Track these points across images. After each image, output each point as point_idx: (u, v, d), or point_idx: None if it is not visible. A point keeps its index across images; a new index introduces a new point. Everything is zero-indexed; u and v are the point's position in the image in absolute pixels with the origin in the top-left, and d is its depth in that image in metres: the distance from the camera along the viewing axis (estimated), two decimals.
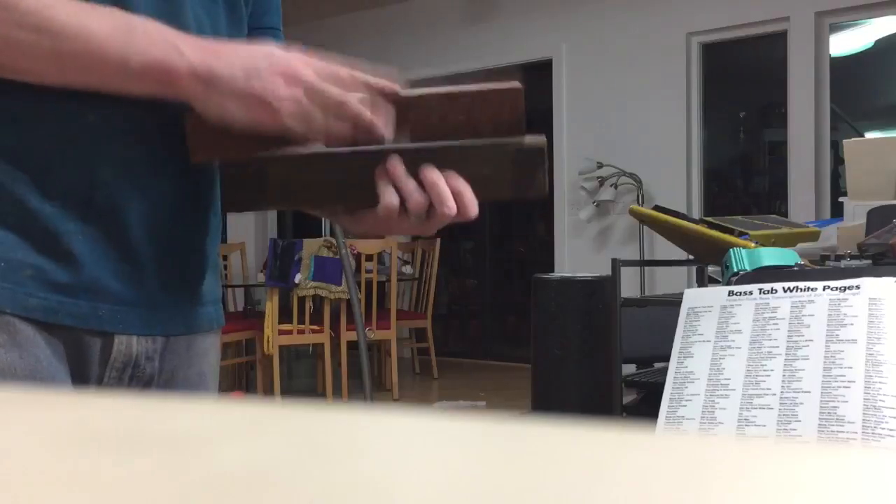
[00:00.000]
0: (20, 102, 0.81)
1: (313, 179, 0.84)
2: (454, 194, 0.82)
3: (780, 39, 5.51)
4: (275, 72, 0.78)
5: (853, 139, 2.72)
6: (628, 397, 3.21)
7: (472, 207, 0.83)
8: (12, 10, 0.75)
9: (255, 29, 1.01)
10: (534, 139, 0.82)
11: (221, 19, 0.94)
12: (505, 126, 0.82)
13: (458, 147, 0.82)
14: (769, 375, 0.88)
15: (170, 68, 0.77)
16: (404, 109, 0.81)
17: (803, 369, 0.86)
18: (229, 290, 6.46)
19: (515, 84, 0.82)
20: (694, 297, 0.98)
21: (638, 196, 5.83)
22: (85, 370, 0.85)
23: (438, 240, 6.09)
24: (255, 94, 0.78)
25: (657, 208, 2.28)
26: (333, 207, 0.92)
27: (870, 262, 1.28)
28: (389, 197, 0.82)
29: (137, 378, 0.89)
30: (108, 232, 0.84)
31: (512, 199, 0.85)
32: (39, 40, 0.76)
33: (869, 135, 5.68)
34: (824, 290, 0.89)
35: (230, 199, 0.89)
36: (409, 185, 0.82)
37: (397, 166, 0.82)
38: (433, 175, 0.82)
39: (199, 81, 0.78)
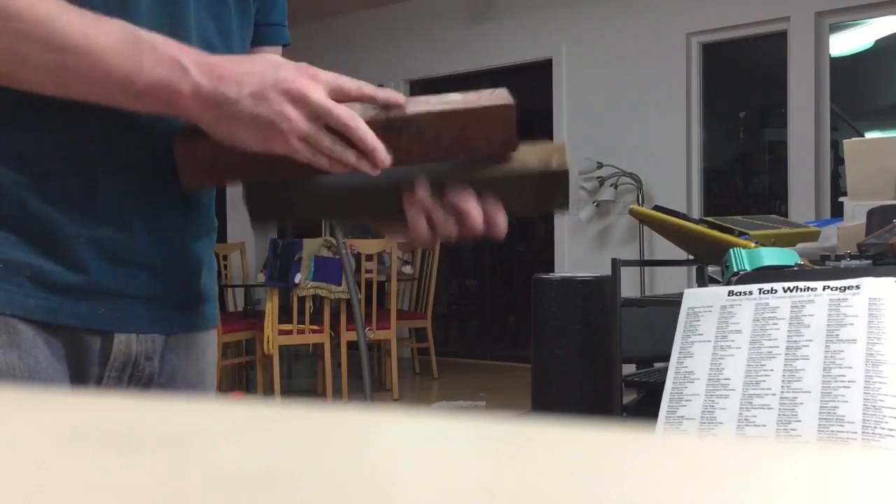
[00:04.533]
0: (24, 110, 0.80)
1: (341, 201, 0.85)
2: (485, 215, 0.83)
3: (780, 39, 5.51)
4: (281, 91, 0.76)
5: (853, 139, 2.72)
6: (628, 397, 3.20)
7: (502, 228, 0.84)
8: (18, 21, 0.73)
9: (261, 25, 1.00)
10: (559, 161, 0.82)
11: (231, 18, 0.94)
12: (498, 142, 0.82)
13: (483, 171, 0.82)
14: (769, 375, 0.88)
15: (175, 89, 0.75)
16: (398, 129, 0.80)
17: (803, 369, 0.86)
18: (229, 290, 6.46)
19: (507, 99, 0.81)
20: (694, 297, 0.98)
21: (638, 196, 5.83)
22: (84, 370, 0.86)
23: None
24: (262, 118, 0.76)
25: (657, 208, 2.28)
26: (362, 221, 0.94)
27: (870, 262, 1.28)
28: (420, 225, 0.83)
29: (136, 378, 0.89)
30: (109, 235, 0.84)
31: (535, 215, 0.86)
32: (45, 54, 0.74)
33: (869, 135, 5.68)
34: (824, 290, 0.89)
35: (256, 216, 0.88)
36: (439, 213, 0.82)
37: (426, 196, 0.82)
38: (467, 203, 0.82)
39: (205, 104, 0.76)
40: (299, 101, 0.76)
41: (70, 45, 0.74)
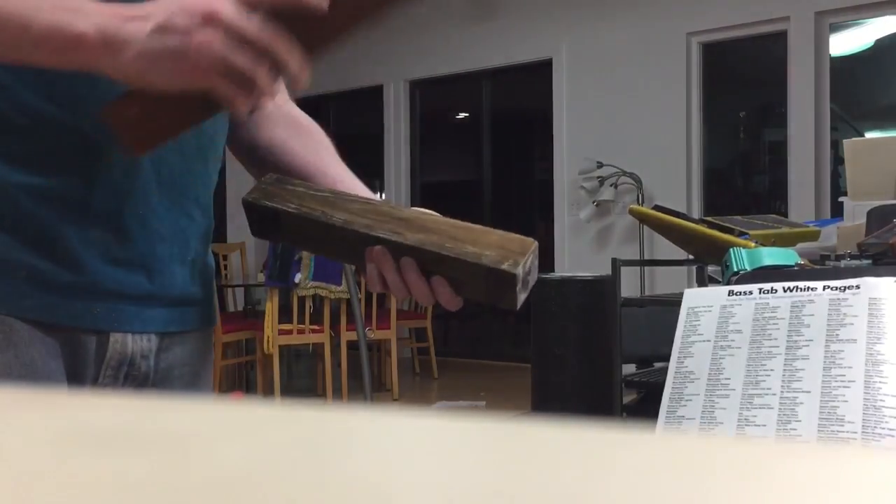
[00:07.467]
0: (16, 112, 0.80)
1: (317, 238, 0.89)
2: (433, 291, 0.84)
3: (780, 39, 5.51)
4: (189, 15, 0.70)
5: (853, 139, 2.72)
6: (628, 397, 3.21)
7: (452, 304, 0.85)
8: None
9: None
10: (511, 264, 0.80)
11: None
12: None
13: (436, 254, 0.83)
14: (769, 375, 0.88)
15: (75, 33, 0.70)
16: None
17: (803, 369, 0.86)
18: (229, 290, 6.46)
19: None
20: (694, 296, 0.98)
21: (638, 196, 5.83)
22: (80, 369, 0.86)
23: None
24: (172, 51, 0.70)
25: (657, 208, 2.28)
26: (336, 260, 0.97)
27: (870, 262, 1.28)
28: (374, 280, 0.86)
29: (132, 377, 0.89)
30: (104, 234, 0.84)
31: (485, 302, 0.88)
32: None
33: (869, 135, 5.68)
34: (824, 289, 0.89)
35: (254, 227, 0.93)
36: (392, 277, 0.84)
37: (381, 259, 0.84)
38: (412, 276, 0.84)
39: (109, 46, 0.71)
40: (209, 20, 0.71)
41: None
